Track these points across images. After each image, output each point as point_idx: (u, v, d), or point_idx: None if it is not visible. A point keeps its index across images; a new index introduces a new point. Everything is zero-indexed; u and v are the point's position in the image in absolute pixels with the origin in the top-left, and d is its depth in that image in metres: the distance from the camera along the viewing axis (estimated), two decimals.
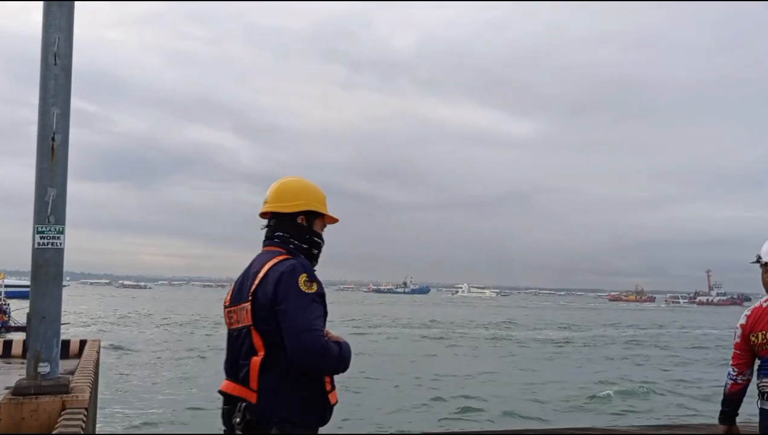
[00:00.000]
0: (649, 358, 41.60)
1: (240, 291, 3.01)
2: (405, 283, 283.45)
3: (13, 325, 50.70)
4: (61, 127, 5.95)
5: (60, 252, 5.94)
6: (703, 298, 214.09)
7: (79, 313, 65.19)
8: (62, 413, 5.41)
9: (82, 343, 11.21)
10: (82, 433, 4.68)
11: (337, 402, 2.95)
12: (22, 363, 8.33)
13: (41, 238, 5.85)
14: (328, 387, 2.88)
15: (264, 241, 3.19)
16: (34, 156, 5.95)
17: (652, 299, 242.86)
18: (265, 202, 3.20)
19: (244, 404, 2.78)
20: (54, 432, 4.74)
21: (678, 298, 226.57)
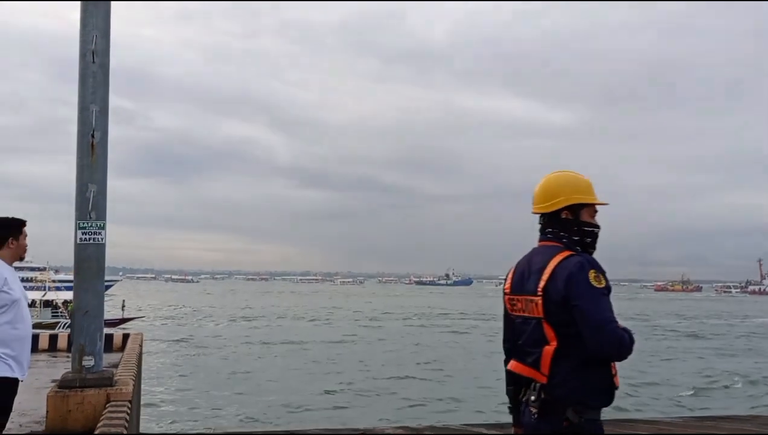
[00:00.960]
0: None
1: (522, 282, 3.27)
2: (447, 275, 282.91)
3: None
4: (100, 124, 6.03)
5: (101, 247, 6.02)
6: (755, 287, 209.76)
7: (156, 308, 66.13)
8: (107, 406, 5.49)
9: (125, 337, 11.40)
10: (126, 425, 4.74)
11: (618, 386, 3.17)
12: (68, 357, 8.49)
13: (83, 233, 5.93)
14: (614, 371, 3.09)
15: (540, 236, 3.42)
16: (75, 153, 6.04)
17: (698, 289, 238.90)
18: (533, 204, 3.47)
19: (539, 385, 3.07)
20: (99, 424, 4.81)
21: (729, 288, 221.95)
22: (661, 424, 10.26)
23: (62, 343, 11.54)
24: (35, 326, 33.45)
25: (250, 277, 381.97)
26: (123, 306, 54.27)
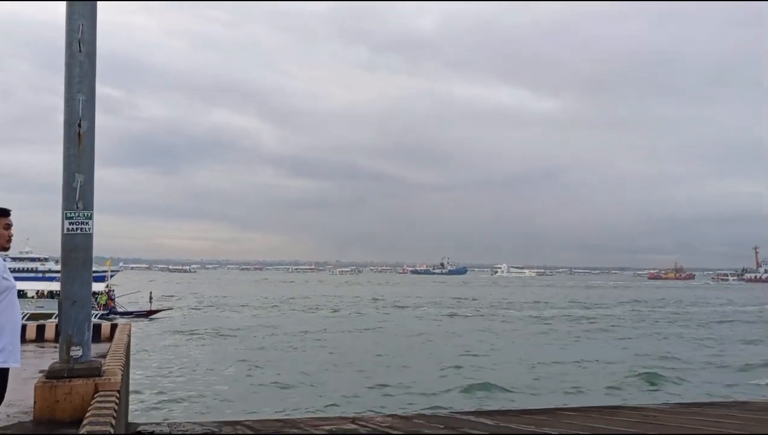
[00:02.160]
0: None
1: None
2: (442, 264, 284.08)
3: (119, 310, 52.14)
4: (87, 113, 6.00)
5: (89, 237, 6.00)
6: (752, 275, 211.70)
7: (170, 298, 66.10)
8: (95, 396, 5.49)
9: (113, 326, 11.38)
10: (115, 415, 4.74)
11: None
12: (55, 347, 8.48)
13: (70, 223, 5.91)
14: None
15: None
16: (61, 143, 6.01)
17: (691, 276, 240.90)
18: None
19: None
20: (87, 414, 4.81)
21: (727, 276, 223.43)
22: (647, 410, 10.36)
23: (50, 333, 11.51)
24: (56, 317, 33.22)
25: (244, 266, 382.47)
26: (151, 298, 54.45)
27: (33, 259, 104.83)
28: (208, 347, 36.51)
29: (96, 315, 48.40)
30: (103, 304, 50.37)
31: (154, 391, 23.34)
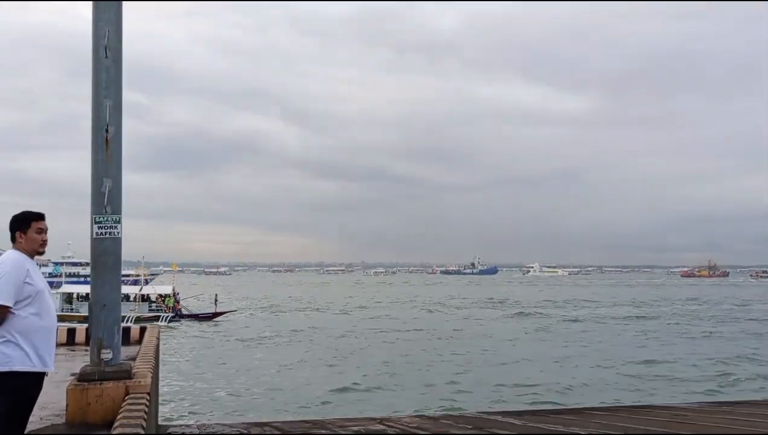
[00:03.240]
0: None
1: None
2: (473, 264, 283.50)
3: (184, 312, 52.85)
4: (114, 118, 6.05)
5: (117, 241, 6.05)
6: None
7: (226, 300, 66.75)
8: (126, 398, 5.54)
9: (143, 329, 11.48)
10: (145, 417, 4.78)
11: None
12: (86, 350, 8.57)
13: (99, 228, 5.97)
14: None
15: None
16: (89, 149, 6.07)
17: (726, 274, 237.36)
18: None
19: None
20: (118, 416, 4.86)
21: (766, 273, 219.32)
22: (677, 410, 10.24)
23: (80, 336, 11.65)
24: (136, 320, 34.27)
25: (274, 269, 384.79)
26: (216, 300, 55.06)
27: (75, 264, 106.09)
28: (289, 348, 36.98)
29: (166, 318, 49.46)
30: (171, 307, 51.31)
31: (263, 388, 24.16)
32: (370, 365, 29.59)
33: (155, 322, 48.51)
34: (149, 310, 51.14)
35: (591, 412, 10.34)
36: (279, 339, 40.87)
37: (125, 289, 53.06)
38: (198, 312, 54.54)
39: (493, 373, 27.81)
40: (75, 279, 79.97)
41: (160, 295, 52.50)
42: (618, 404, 15.75)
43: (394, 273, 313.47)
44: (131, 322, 47.43)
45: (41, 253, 4.86)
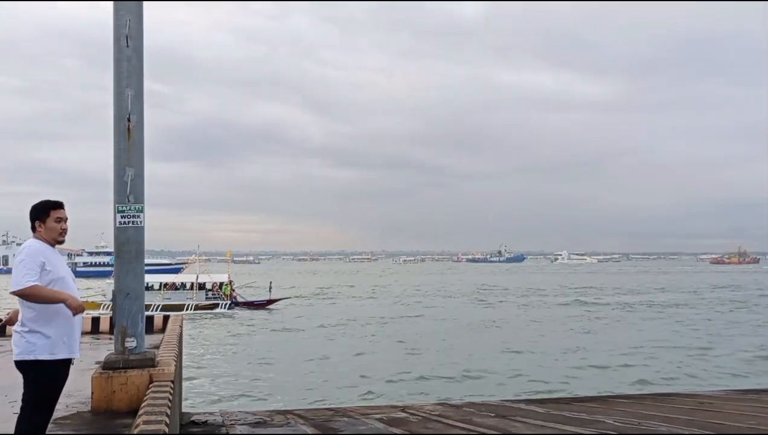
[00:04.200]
0: None
1: None
2: (500, 252, 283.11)
3: (240, 300, 53.81)
4: (136, 107, 6.07)
5: (140, 230, 6.08)
6: None
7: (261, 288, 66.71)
8: (150, 386, 5.58)
9: (165, 318, 11.56)
10: (169, 404, 4.81)
11: None
12: (110, 339, 8.64)
13: (122, 217, 6.00)
14: None
15: None
16: (111, 139, 6.09)
17: (756, 260, 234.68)
18: None
19: None
20: (143, 404, 4.89)
21: None
22: (702, 398, 10.15)
23: (104, 325, 11.76)
24: (195, 308, 35.03)
25: (300, 257, 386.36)
26: (270, 287, 55.82)
27: (108, 253, 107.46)
28: (356, 335, 37.21)
29: (225, 305, 50.35)
30: (228, 295, 52.17)
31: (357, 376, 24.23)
32: (460, 355, 29.43)
33: (215, 310, 49.45)
34: (206, 298, 52.01)
35: (615, 400, 10.28)
36: (349, 327, 40.92)
37: (183, 278, 54.14)
38: (253, 300, 55.20)
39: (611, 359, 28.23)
40: (107, 268, 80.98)
41: (219, 283, 53.44)
42: (643, 392, 15.67)
43: (422, 261, 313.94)
44: (191, 309, 48.61)
45: (61, 242, 4.86)
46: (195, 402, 19.16)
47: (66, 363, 4.69)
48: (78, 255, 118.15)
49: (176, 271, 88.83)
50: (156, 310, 47.24)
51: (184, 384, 22.00)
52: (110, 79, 6.08)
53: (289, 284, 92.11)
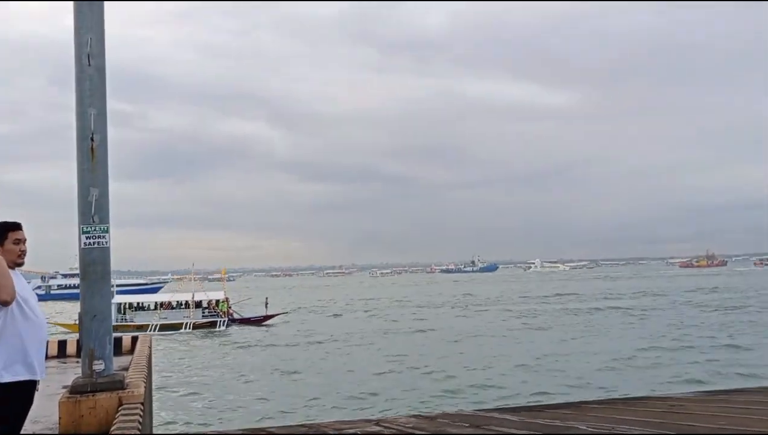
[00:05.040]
0: None
1: None
2: (473, 262, 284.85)
3: (237, 317, 53.26)
4: (99, 127, 5.99)
5: (106, 251, 6.00)
6: None
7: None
8: (119, 409, 5.49)
9: (134, 339, 11.40)
10: (140, 427, 4.73)
11: None
12: (77, 362, 8.49)
13: (87, 238, 5.91)
14: None
15: None
16: (75, 158, 6.00)
17: (724, 263, 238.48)
18: None
19: None
20: (113, 428, 4.80)
21: None
22: (673, 400, 10.25)
23: (71, 348, 11.55)
24: (194, 327, 35.16)
25: (273, 273, 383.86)
26: (266, 303, 55.28)
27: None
28: (365, 350, 37.26)
29: (223, 322, 49.90)
30: (225, 311, 51.73)
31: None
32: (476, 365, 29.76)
33: (214, 328, 49.06)
34: (202, 316, 51.55)
35: (587, 406, 10.33)
36: (355, 340, 40.95)
37: (179, 296, 53.71)
38: (249, 316, 54.75)
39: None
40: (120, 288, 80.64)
41: (215, 301, 53.02)
42: (613, 397, 15.81)
43: (399, 273, 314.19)
44: (190, 328, 48.12)
45: (20, 264, 4.75)
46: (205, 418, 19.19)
47: (32, 386, 4.57)
48: (52, 277, 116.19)
49: (155, 290, 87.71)
50: (154, 330, 47.21)
51: (191, 403, 21.96)
52: (73, 99, 6.01)
53: (276, 301, 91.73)
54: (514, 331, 44.04)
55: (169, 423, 19.31)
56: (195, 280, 56.66)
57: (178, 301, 53.07)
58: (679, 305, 60.14)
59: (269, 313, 54.92)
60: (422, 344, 37.61)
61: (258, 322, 53.38)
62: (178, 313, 51.26)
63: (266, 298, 57.12)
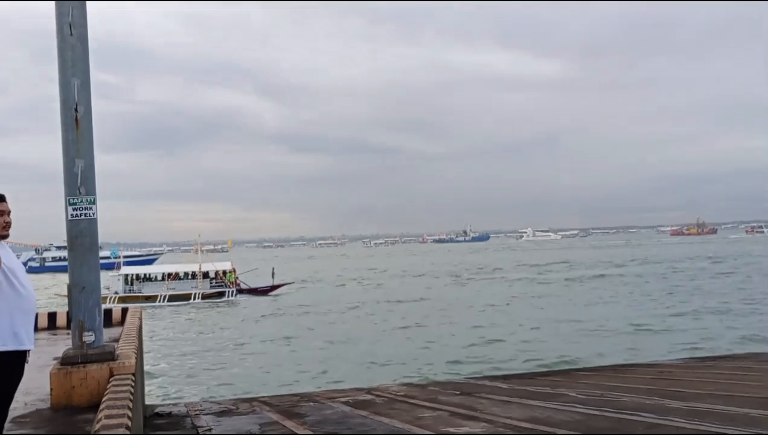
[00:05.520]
0: None
1: None
2: (465, 232, 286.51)
3: (244, 287, 53.52)
4: (83, 97, 5.93)
5: (93, 222, 5.97)
6: None
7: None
8: (110, 380, 5.50)
9: (124, 311, 11.39)
10: (131, 397, 4.74)
11: None
12: (67, 334, 8.49)
13: (74, 209, 5.87)
14: None
15: None
16: (59, 132, 5.95)
17: (714, 231, 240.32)
18: None
19: None
20: (104, 398, 4.81)
21: (762, 228, 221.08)
22: (662, 367, 10.35)
23: (61, 320, 11.52)
24: (202, 297, 35.08)
25: (265, 244, 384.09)
26: (273, 274, 55.44)
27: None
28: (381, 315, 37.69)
29: (232, 292, 50.10)
30: (232, 282, 51.98)
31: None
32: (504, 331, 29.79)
33: (222, 298, 49.38)
34: (210, 286, 51.84)
35: (577, 373, 10.44)
36: (367, 309, 41.09)
37: (186, 267, 53.82)
38: (256, 286, 54.97)
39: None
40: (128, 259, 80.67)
41: (224, 271, 53.26)
42: (603, 365, 15.96)
43: (393, 243, 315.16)
44: (199, 298, 48.50)
45: (4, 236, 4.68)
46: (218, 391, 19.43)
47: (21, 356, 4.54)
48: (46, 250, 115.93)
49: (150, 262, 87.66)
50: (164, 301, 47.46)
51: (217, 374, 22.16)
52: (56, 70, 5.94)
53: (278, 271, 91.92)
54: (537, 298, 44.35)
55: (164, 395, 19.35)
56: (203, 252, 56.71)
57: (185, 272, 53.31)
58: (694, 271, 61.04)
59: (276, 283, 55.23)
60: (438, 314, 37.41)
61: (265, 292, 53.78)
62: (185, 284, 51.48)
63: (272, 269, 57.28)
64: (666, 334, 27.43)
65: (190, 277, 52.33)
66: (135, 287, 50.75)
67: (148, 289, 50.32)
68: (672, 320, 31.14)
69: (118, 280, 50.21)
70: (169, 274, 51.95)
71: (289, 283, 58.05)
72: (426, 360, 23.55)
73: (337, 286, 61.76)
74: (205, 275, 52.62)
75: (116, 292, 48.57)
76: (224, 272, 53.23)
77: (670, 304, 37.26)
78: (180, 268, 53.94)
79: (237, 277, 53.67)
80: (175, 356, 26.59)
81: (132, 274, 52.50)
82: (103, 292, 49.81)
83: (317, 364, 23.89)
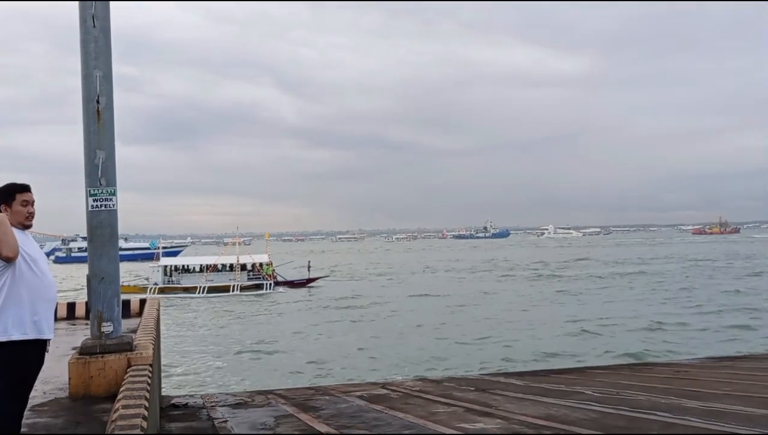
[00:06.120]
0: None
1: None
2: (485, 228, 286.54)
3: (280, 280, 54.10)
4: (105, 89, 5.97)
5: (113, 213, 6.01)
6: None
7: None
8: (128, 370, 5.54)
9: (142, 302, 11.47)
10: (148, 388, 4.77)
11: None
12: (86, 324, 8.56)
13: (94, 200, 5.92)
14: None
15: None
16: (81, 123, 5.99)
17: (737, 230, 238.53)
18: None
19: None
20: (122, 389, 4.85)
21: None
22: (678, 366, 10.29)
23: (80, 310, 11.64)
24: (241, 289, 35.14)
25: (285, 238, 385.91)
26: (309, 267, 56.03)
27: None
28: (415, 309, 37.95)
29: (270, 285, 50.58)
30: (270, 274, 52.51)
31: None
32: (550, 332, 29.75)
33: (260, 290, 49.72)
34: (248, 278, 52.24)
35: (593, 371, 10.40)
36: (408, 305, 40.97)
37: (224, 259, 54.33)
38: (293, 279, 55.38)
39: None
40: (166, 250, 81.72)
41: (261, 264, 53.69)
42: (620, 363, 15.88)
43: (415, 238, 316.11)
44: (237, 290, 48.94)
45: (28, 226, 4.71)
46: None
47: (42, 346, 4.58)
48: (72, 240, 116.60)
49: (175, 254, 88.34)
50: (203, 292, 47.89)
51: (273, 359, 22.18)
52: (78, 62, 5.97)
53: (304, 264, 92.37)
54: (584, 294, 44.47)
55: (179, 386, 19.47)
56: (239, 244, 57.08)
57: (223, 264, 53.77)
58: (726, 269, 60.89)
59: (311, 276, 55.63)
60: (474, 311, 37.28)
61: (301, 284, 54.23)
62: (223, 276, 52.01)
63: (308, 262, 57.74)
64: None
65: (228, 269, 52.79)
66: (174, 278, 51.43)
67: (186, 281, 50.88)
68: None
69: (158, 271, 51.04)
70: (208, 266, 52.41)
71: (325, 277, 58.37)
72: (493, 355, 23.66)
73: (372, 281, 61.79)
74: (243, 267, 52.99)
75: (156, 283, 49.14)
76: (261, 265, 53.64)
77: (730, 303, 37.59)
78: (218, 260, 54.32)
79: (274, 270, 54.06)
80: (211, 349, 26.83)
81: (171, 266, 53.31)
82: (143, 282, 50.56)
83: (368, 360, 23.98)
